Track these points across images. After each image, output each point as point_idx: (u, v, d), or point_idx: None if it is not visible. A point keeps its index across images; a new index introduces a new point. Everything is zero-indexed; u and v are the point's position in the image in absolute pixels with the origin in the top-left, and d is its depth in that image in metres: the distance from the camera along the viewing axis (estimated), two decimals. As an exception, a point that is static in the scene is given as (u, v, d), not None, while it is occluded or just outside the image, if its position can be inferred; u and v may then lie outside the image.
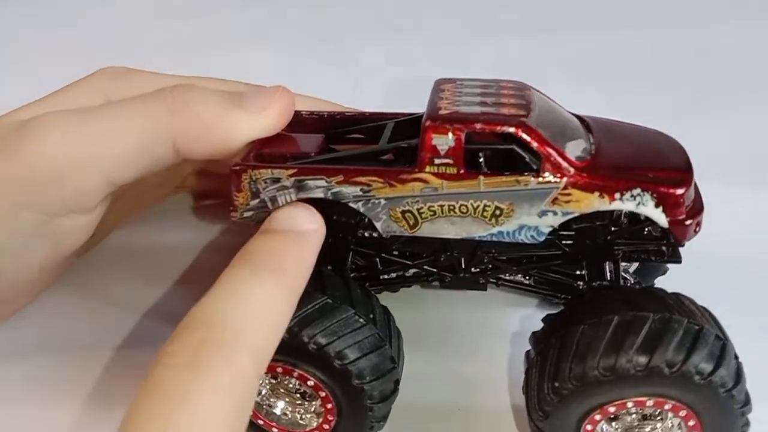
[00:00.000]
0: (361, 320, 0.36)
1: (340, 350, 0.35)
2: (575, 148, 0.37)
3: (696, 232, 0.36)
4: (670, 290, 0.37)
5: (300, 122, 0.42)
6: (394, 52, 0.67)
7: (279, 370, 0.37)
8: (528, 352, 0.38)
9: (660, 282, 0.44)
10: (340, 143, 0.42)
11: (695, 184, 0.37)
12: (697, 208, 0.36)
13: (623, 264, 0.43)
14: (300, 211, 0.35)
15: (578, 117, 0.40)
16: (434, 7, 0.78)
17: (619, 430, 0.37)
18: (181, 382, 0.27)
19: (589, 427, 0.36)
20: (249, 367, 0.29)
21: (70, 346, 0.45)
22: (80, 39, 0.68)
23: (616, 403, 0.34)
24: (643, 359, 0.33)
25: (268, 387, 0.40)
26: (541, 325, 0.38)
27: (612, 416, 0.36)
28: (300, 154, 0.40)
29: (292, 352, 0.36)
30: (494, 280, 0.42)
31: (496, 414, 0.41)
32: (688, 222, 0.36)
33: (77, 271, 0.49)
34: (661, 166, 0.36)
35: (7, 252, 0.38)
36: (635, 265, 0.44)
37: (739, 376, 0.33)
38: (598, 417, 0.35)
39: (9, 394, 0.43)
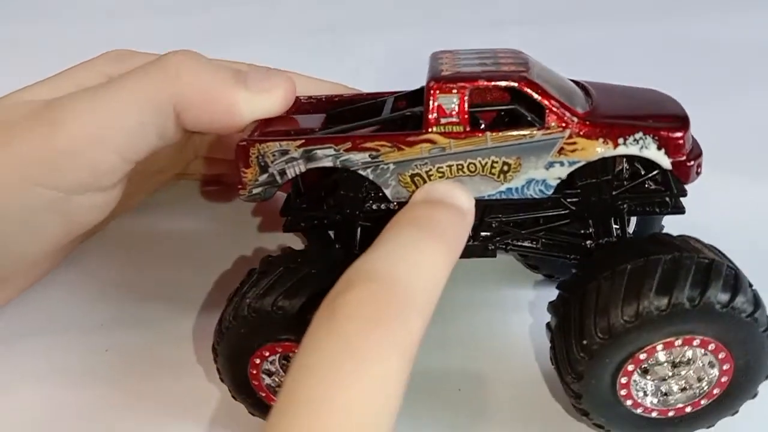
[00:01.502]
0: None
1: None
2: (575, 104, 0.38)
3: (698, 174, 0.37)
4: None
5: (299, 107, 0.43)
6: (393, 42, 0.67)
7: (295, 350, 0.37)
8: (548, 323, 0.38)
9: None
10: (340, 123, 0.43)
11: (692, 134, 0.38)
12: (696, 152, 0.37)
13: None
14: (460, 189, 0.34)
15: (575, 81, 0.41)
16: None
17: (654, 381, 0.37)
18: (365, 335, 0.26)
19: (623, 380, 0.35)
20: (418, 331, 0.27)
21: (72, 330, 0.45)
22: (75, 34, 0.68)
23: (646, 348, 0.34)
24: (663, 300, 0.33)
25: (281, 368, 0.39)
26: (556, 294, 0.39)
27: (644, 367, 0.36)
28: (305, 130, 0.40)
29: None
30: (503, 246, 0.42)
31: (519, 384, 0.41)
32: (690, 163, 0.37)
33: (80, 256, 0.49)
34: (659, 112, 0.38)
35: (18, 226, 0.37)
36: (632, 225, 0.44)
37: (757, 301, 0.34)
38: (630, 368, 0.35)
39: (10, 376, 0.43)
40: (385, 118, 0.40)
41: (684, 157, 0.36)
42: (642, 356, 0.35)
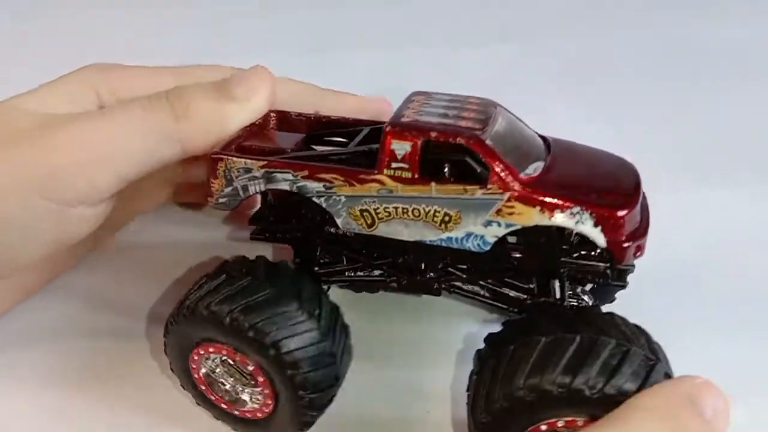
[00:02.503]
0: (304, 314, 0.39)
1: (276, 340, 0.38)
2: (528, 166, 0.38)
3: (636, 256, 0.37)
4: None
5: (288, 121, 0.46)
6: (386, 61, 0.70)
7: (224, 352, 0.40)
8: (471, 371, 0.39)
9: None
10: (319, 144, 0.46)
11: (645, 207, 0.38)
12: (640, 232, 0.37)
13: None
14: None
15: (543, 138, 0.42)
16: (425, 16, 0.82)
17: None
18: None
19: None
20: None
21: (70, 340, 0.48)
22: (85, 48, 0.72)
23: (549, 421, 0.35)
24: (566, 380, 0.33)
25: (221, 366, 0.42)
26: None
27: None
28: (277, 150, 0.43)
29: (234, 336, 0.38)
30: (446, 287, 0.44)
31: (439, 427, 0.43)
32: (626, 244, 0.37)
33: (79, 266, 0.52)
34: (607, 187, 0.38)
35: (14, 234, 0.40)
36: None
37: None
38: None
39: (6, 383, 0.46)
40: (348, 150, 0.42)
41: (622, 238, 0.37)
42: (543, 427, 0.35)
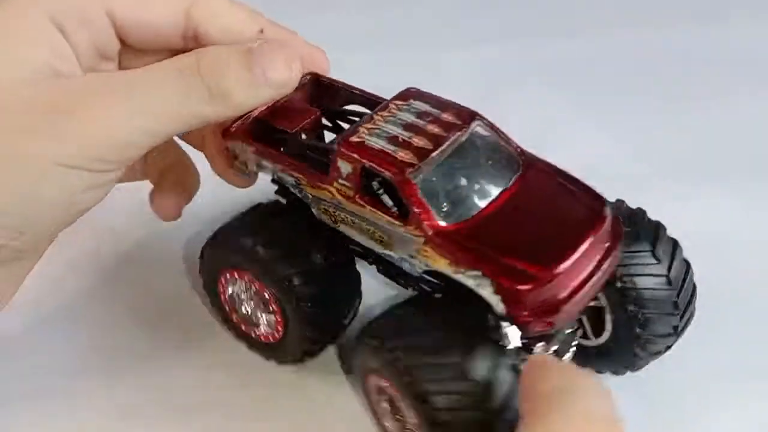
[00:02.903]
0: (318, 256, 0.43)
1: (290, 273, 0.43)
2: (467, 204, 0.37)
3: (545, 329, 0.35)
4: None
5: (319, 86, 0.47)
6: (381, 60, 0.67)
7: (246, 278, 0.46)
8: None
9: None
10: (335, 119, 0.47)
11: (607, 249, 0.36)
12: (551, 307, 0.34)
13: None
14: None
15: (522, 154, 0.39)
16: (425, 16, 0.83)
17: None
18: None
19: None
20: None
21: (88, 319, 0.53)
22: None
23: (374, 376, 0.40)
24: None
25: (244, 292, 0.48)
26: None
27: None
28: (285, 128, 0.45)
29: (254, 264, 0.44)
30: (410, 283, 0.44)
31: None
32: (529, 319, 0.34)
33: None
34: (527, 254, 0.35)
35: (58, 206, 0.37)
36: None
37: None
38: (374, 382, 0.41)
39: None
40: (328, 146, 0.43)
41: (522, 313, 0.34)
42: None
